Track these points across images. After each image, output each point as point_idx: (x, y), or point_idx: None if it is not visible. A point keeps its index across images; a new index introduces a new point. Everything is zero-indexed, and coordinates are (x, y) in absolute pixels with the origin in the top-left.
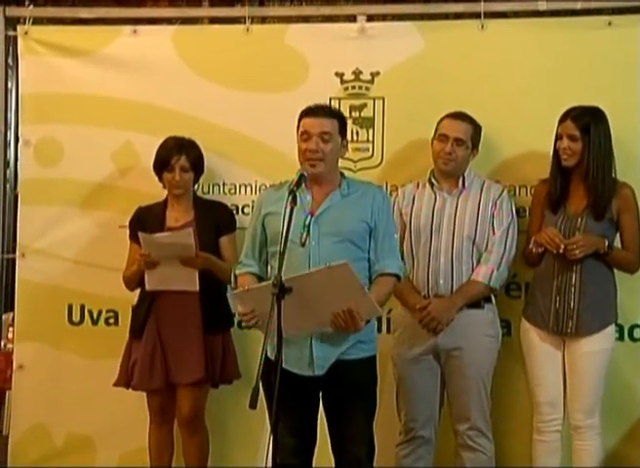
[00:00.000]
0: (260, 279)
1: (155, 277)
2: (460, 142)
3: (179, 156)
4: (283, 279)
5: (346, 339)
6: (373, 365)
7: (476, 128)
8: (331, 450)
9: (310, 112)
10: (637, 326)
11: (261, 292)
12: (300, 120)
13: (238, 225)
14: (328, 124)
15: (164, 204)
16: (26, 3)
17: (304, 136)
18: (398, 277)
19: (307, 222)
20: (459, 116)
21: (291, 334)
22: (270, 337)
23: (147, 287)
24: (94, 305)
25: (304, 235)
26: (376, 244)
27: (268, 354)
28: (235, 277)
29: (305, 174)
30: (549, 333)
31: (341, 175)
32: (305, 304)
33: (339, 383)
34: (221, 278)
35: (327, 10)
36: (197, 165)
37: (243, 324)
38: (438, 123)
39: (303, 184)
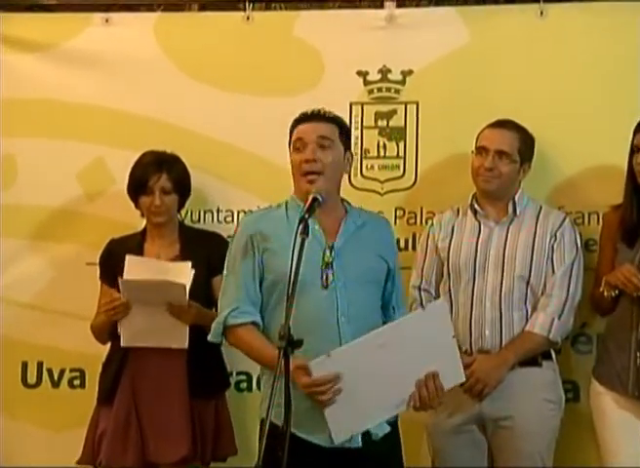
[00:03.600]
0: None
1: (132, 329)
2: (503, 155)
3: (158, 175)
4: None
5: None
6: (397, 429)
7: (525, 138)
8: None
9: (305, 117)
10: None
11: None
12: (292, 130)
13: None
14: (326, 128)
15: (142, 235)
16: None
17: (298, 143)
18: None
19: (330, 258)
20: (501, 124)
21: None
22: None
23: (123, 342)
24: (54, 363)
25: (327, 274)
26: (393, 287)
27: (273, 419)
28: (226, 328)
29: (319, 197)
30: (628, 398)
31: (342, 200)
32: (380, 374)
33: (364, 454)
34: None
35: None
36: (181, 185)
37: None
38: (478, 134)
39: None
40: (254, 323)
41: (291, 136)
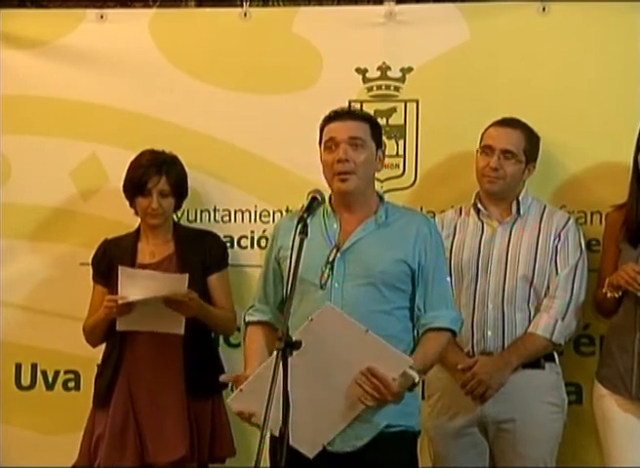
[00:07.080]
0: (275, 329)
1: (130, 315)
2: (508, 155)
3: (158, 177)
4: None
5: (385, 409)
6: (414, 444)
7: (531, 137)
8: None
9: (335, 116)
10: None
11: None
12: (322, 128)
13: (233, 261)
14: (358, 128)
15: (136, 235)
16: None
17: (330, 143)
18: (453, 332)
19: (332, 258)
20: (507, 123)
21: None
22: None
23: (118, 326)
24: (48, 365)
25: (326, 274)
26: (424, 291)
27: (271, 428)
28: (245, 325)
29: (318, 196)
30: (632, 401)
31: (380, 198)
32: (312, 386)
33: (370, 464)
34: (212, 328)
35: None
36: (179, 187)
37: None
38: (483, 133)
39: (330, 209)
40: (262, 322)
41: (321, 136)
